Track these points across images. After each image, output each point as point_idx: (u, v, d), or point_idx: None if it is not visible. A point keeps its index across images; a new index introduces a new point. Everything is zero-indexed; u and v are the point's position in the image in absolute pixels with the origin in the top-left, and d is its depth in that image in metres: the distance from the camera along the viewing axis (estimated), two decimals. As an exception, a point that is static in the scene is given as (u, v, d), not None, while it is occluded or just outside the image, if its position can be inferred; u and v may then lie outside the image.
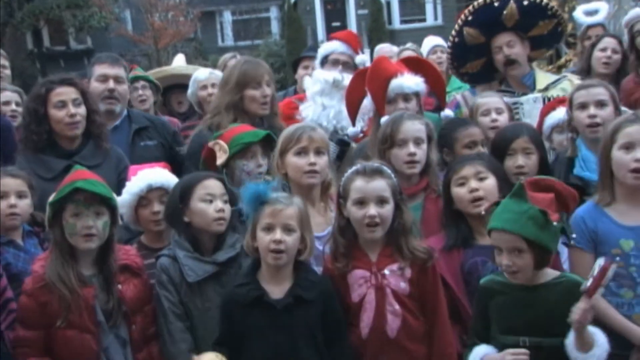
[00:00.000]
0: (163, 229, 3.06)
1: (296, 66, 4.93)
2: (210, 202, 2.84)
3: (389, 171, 2.67)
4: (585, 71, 4.21)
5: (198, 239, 2.87)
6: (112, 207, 2.71)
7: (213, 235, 2.89)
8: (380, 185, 2.60)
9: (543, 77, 3.79)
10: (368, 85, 3.43)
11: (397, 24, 23.47)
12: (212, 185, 2.89)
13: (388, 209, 2.59)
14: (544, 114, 3.31)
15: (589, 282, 2.28)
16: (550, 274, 2.47)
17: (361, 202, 2.57)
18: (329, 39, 4.34)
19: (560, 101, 3.28)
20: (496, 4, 3.70)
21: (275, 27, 23.86)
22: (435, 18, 22.66)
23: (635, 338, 2.48)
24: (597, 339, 2.35)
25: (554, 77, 3.81)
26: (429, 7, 22.01)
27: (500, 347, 2.46)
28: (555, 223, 2.40)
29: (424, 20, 21.91)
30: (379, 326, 2.58)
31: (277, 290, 2.56)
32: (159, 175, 3.14)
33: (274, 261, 2.51)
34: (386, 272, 2.58)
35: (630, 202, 2.61)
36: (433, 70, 3.53)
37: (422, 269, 2.58)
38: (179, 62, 5.87)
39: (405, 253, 2.60)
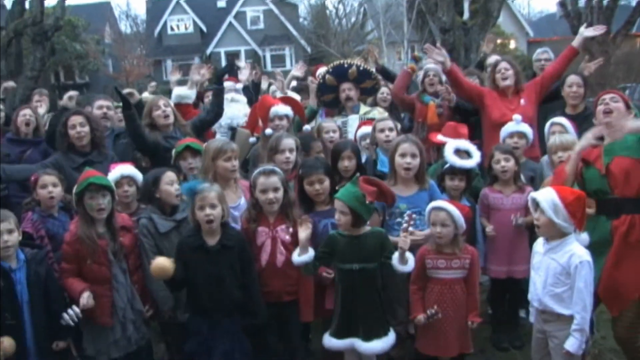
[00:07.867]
0: (130, 202, 3.88)
1: None
2: (171, 185, 3.65)
3: (279, 170, 3.56)
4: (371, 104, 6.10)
5: (163, 207, 3.68)
6: (111, 190, 3.45)
7: (171, 205, 3.69)
8: (274, 180, 3.46)
9: (363, 108, 5.64)
10: (258, 111, 5.00)
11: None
12: (171, 175, 3.71)
13: (280, 193, 3.48)
14: (358, 128, 5.03)
15: (404, 225, 3.17)
16: (366, 228, 3.34)
17: (264, 191, 3.46)
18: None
19: (364, 123, 5.05)
20: (346, 66, 5.72)
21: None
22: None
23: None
24: (409, 257, 3.26)
25: (369, 108, 5.67)
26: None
27: (340, 272, 3.32)
28: (370, 203, 3.21)
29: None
30: (272, 260, 3.48)
31: (211, 240, 3.31)
32: (128, 169, 3.97)
33: (207, 227, 3.29)
34: (278, 229, 3.51)
35: (403, 185, 3.85)
36: (296, 103, 5.19)
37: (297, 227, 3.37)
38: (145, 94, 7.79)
39: (291, 217, 3.51)
